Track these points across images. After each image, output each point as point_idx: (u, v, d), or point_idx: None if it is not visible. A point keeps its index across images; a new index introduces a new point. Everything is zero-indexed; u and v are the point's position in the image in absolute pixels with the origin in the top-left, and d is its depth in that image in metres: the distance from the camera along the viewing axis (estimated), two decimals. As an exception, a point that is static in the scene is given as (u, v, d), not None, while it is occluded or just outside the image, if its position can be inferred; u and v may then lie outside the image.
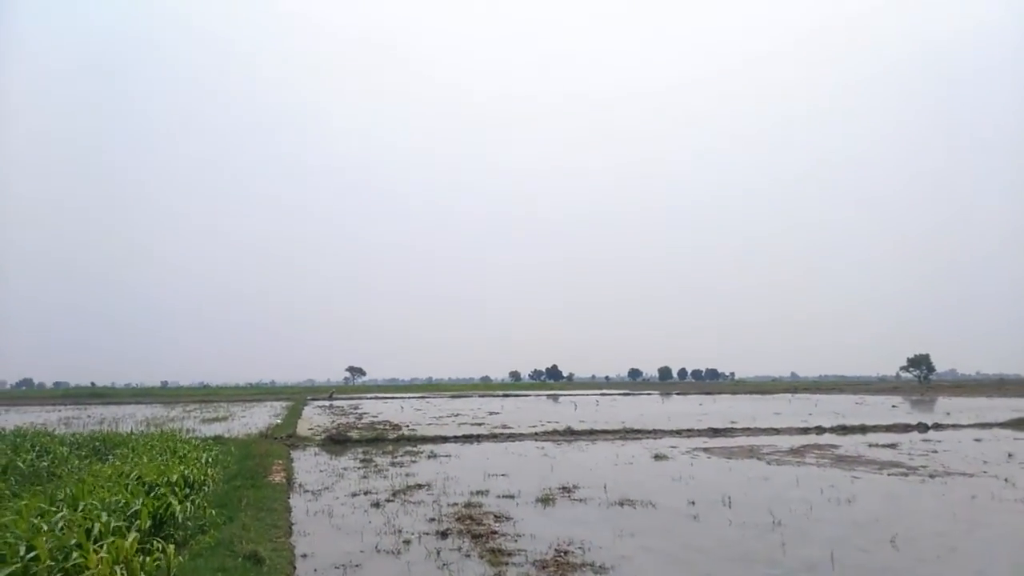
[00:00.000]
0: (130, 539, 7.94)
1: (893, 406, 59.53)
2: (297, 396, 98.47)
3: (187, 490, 12.95)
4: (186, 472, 13.88)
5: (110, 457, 18.93)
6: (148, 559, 8.12)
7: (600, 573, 8.96)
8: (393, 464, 20.77)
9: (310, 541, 11.06)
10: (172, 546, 8.69)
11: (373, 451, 24.71)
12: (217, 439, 26.68)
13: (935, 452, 22.53)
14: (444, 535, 11.25)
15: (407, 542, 10.81)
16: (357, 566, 9.53)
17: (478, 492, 15.34)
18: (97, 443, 23.87)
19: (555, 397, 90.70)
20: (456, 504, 14.00)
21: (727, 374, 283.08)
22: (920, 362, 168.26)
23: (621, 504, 13.80)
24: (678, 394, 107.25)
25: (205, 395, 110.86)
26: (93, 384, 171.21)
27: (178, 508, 10.49)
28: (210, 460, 18.25)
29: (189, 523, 11.14)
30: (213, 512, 11.83)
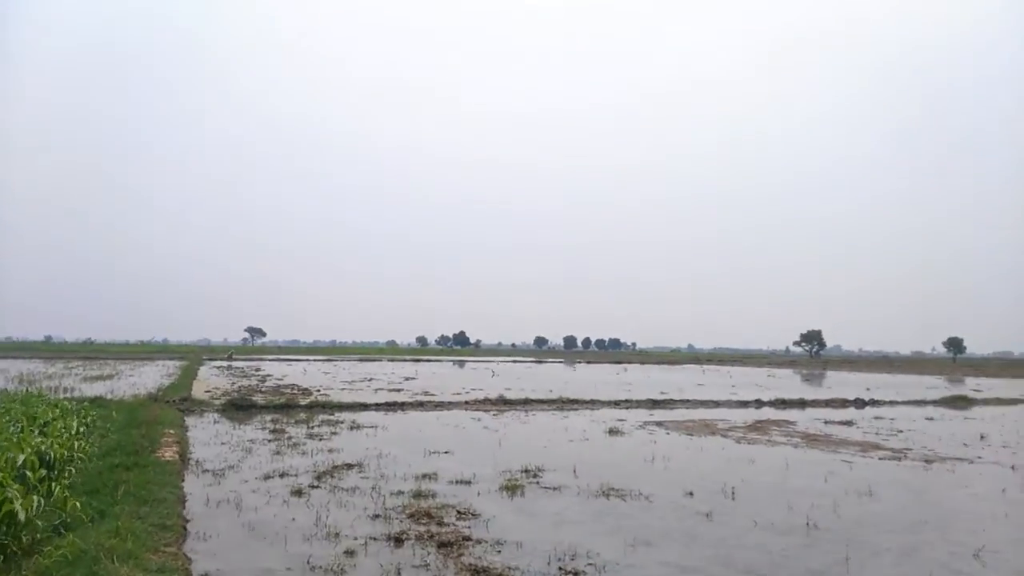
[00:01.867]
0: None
1: (805, 380, 59.93)
2: (192, 355, 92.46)
3: (43, 471, 9.60)
4: (44, 447, 10.47)
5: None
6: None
7: (642, 611, 6.34)
8: (310, 436, 17.63)
9: (212, 551, 7.99)
10: (-7, 576, 5.53)
11: (284, 419, 21.43)
12: (96, 401, 22.78)
13: (901, 431, 21.09)
14: (399, 541, 8.38)
15: (350, 553, 7.89)
16: (284, 597, 6.59)
17: (424, 476, 12.50)
18: (-59, 404, 19.72)
19: (462, 363, 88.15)
20: (401, 492, 11.13)
21: (629, 344, 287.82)
22: (812, 338, 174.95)
23: (606, 495, 11.25)
24: (589, 363, 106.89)
25: (91, 351, 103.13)
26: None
27: (19, 506, 7.21)
28: (83, 429, 14.71)
29: (39, 522, 7.92)
30: (79, 504, 8.58)
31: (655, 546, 8.42)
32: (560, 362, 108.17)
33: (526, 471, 13.12)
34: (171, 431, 16.57)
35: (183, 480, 11.74)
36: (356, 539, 8.44)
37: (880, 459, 15.66)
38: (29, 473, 9.08)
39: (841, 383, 52.94)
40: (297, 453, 15.00)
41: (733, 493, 11.53)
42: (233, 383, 37.80)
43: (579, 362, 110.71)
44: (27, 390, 23.12)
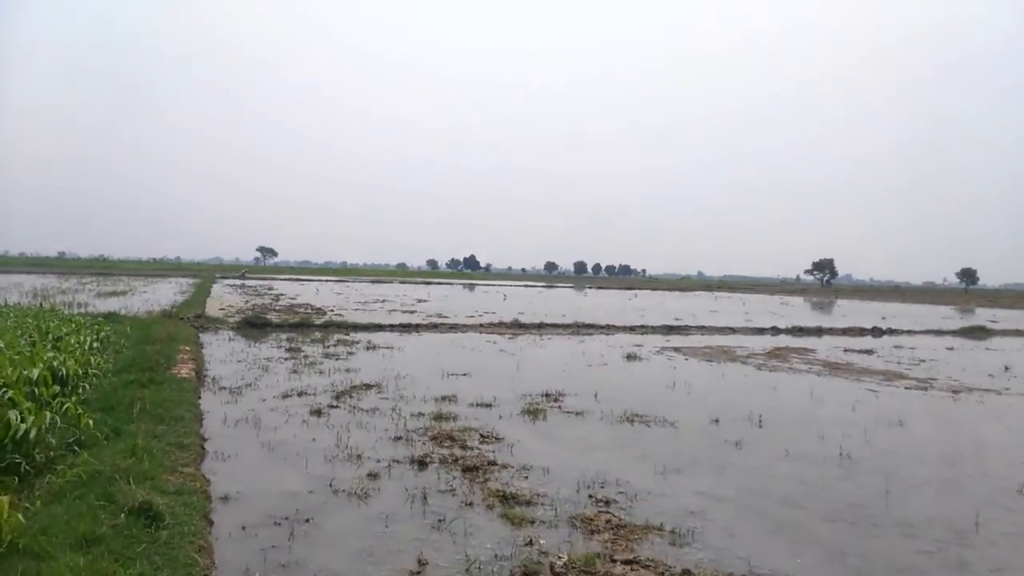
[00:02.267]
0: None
1: (819, 308, 59.57)
2: (205, 273, 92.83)
3: (56, 387, 9.39)
4: (57, 363, 10.23)
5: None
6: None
7: (680, 544, 6.07)
8: (327, 355, 17.46)
9: (232, 472, 7.77)
10: (6, 498, 5.28)
11: (299, 338, 21.28)
12: (110, 317, 22.67)
13: (923, 361, 20.77)
14: (422, 464, 8.15)
15: (373, 476, 7.66)
16: (308, 521, 6.35)
17: (443, 398, 12.28)
18: (-44, 316, 19.61)
19: (471, 287, 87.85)
20: (422, 414, 10.91)
21: (639, 270, 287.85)
22: (824, 266, 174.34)
23: (631, 421, 11.00)
24: (600, 288, 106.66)
25: (104, 268, 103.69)
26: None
27: (27, 424, 6.94)
28: (97, 345, 14.53)
29: (51, 440, 7.71)
30: (92, 422, 8.34)
31: (686, 474, 8.16)
32: (570, 287, 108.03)
33: (547, 395, 12.89)
34: (187, 348, 16.41)
35: (200, 398, 11.56)
36: (379, 461, 8.21)
37: (906, 389, 15.36)
38: (42, 389, 8.90)
39: (855, 312, 52.57)
40: (314, 372, 14.82)
41: (760, 421, 11.26)
42: (247, 301, 37.77)
43: (589, 287, 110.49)
44: (40, 305, 22.97)
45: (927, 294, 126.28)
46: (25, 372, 8.78)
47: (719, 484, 7.81)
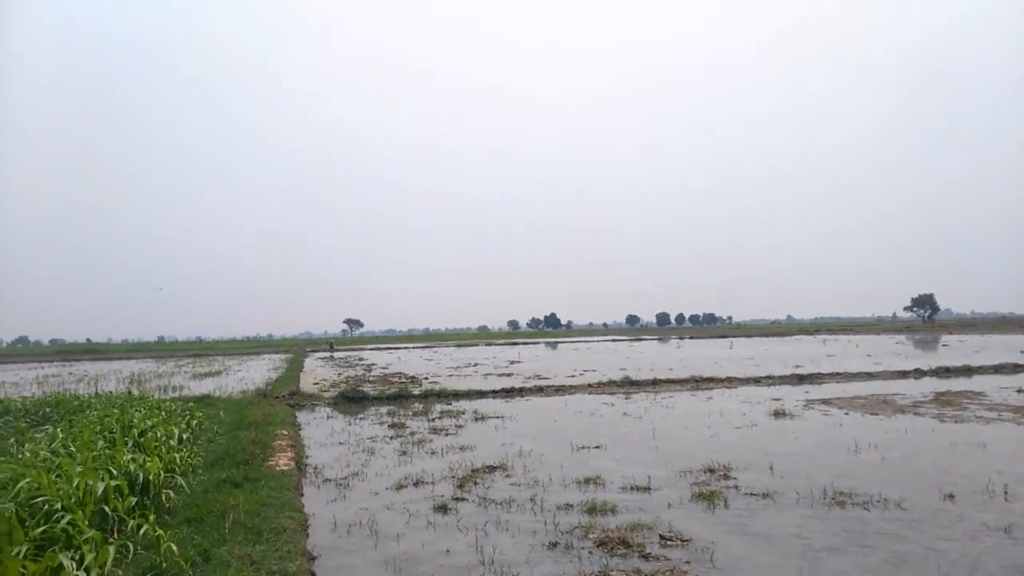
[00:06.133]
0: None
1: (944, 345, 54.79)
2: (296, 348, 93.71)
3: (133, 500, 7.71)
4: (135, 466, 8.60)
5: (45, 430, 13.69)
6: None
7: None
8: (434, 431, 15.58)
9: (354, 609, 5.84)
10: None
11: (400, 411, 19.54)
12: (203, 400, 21.57)
13: None
14: (602, 589, 6.03)
15: (543, 612, 5.59)
16: None
17: (586, 481, 10.14)
18: (47, 409, 18.76)
19: (555, 345, 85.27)
20: (570, 505, 8.78)
21: (724, 318, 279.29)
22: (924, 301, 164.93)
23: (839, 503, 8.58)
24: (690, 338, 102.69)
25: (200, 349, 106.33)
26: (88, 340, 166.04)
27: (86, 563, 5.19)
28: (187, 435, 13.08)
29: None
30: (174, 546, 6.53)
31: (981, 592, 5.77)
32: (656, 339, 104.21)
33: (710, 471, 10.57)
34: (283, 431, 14.84)
35: (302, 495, 9.78)
36: (542, 585, 6.13)
37: None
38: (115, 502, 7.28)
39: (985, 347, 47.80)
40: (425, 452, 12.93)
41: (1005, 493, 8.69)
42: (340, 374, 36.61)
43: (676, 338, 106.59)
44: (130, 392, 22.06)
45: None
46: (91, 485, 7.14)
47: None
